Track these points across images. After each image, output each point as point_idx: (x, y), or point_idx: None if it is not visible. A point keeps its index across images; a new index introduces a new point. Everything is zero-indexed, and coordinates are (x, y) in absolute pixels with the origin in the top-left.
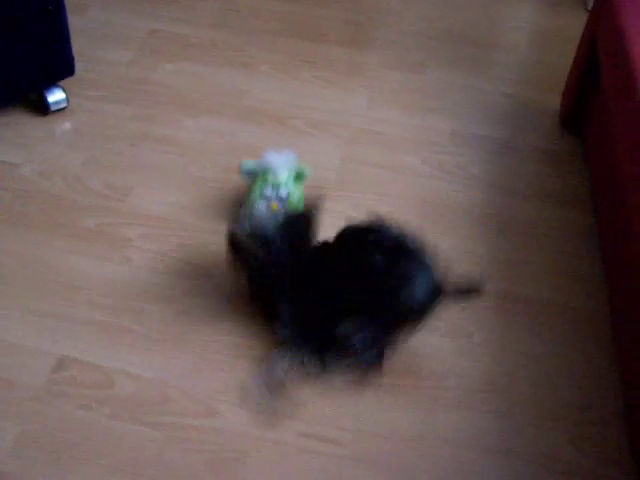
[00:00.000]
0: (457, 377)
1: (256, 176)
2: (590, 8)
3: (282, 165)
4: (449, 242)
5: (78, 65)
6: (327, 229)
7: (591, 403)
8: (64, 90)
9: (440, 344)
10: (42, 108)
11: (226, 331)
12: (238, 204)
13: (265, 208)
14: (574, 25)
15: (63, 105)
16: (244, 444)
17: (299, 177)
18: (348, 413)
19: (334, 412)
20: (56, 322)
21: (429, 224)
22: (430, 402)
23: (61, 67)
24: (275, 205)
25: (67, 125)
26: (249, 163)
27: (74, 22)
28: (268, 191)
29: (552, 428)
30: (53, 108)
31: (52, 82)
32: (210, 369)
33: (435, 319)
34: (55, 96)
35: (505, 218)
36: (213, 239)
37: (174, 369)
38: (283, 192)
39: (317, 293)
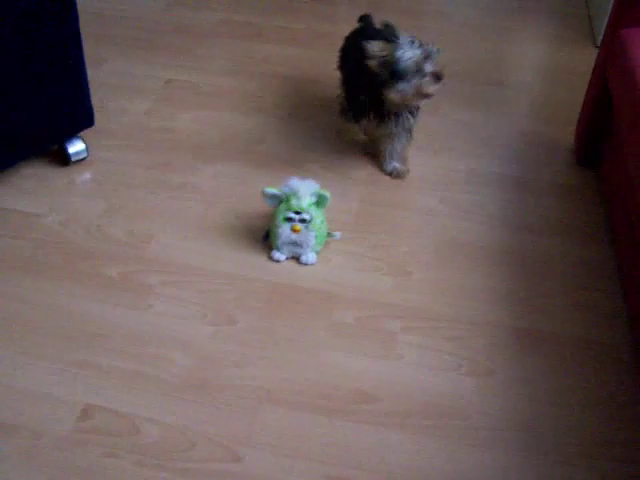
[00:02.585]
0: (481, 415)
1: (279, 201)
2: (599, 44)
3: (304, 190)
4: (469, 281)
5: (97, 116)
6: (343, 270)
7: (619, 440)
8: (84, 141)
9: (462, 382)
10: (63, 159)
11: (249, 376)
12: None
13: (288, 231)
14: (583, 61)
15: (83, 155)
16: None
17: (321, 202)
18: (373, 454)
19: (358, 453)
20: (80, 370)
21: (448, 263)
22: (455, 442)
23: (81, 119)
24: (298, 227)
25: (87, 175)
26: (272, 189)
27: (93, 74)
28: (291, 215)
29: (580, 466)
30: (74, 159)
31: (73, 134)
32: (233, 414)
33: (456, 357)
34: (75, 147)
35: (524, 255)
36: (232, 284)
37: (198, 415)
38: (306, 216)
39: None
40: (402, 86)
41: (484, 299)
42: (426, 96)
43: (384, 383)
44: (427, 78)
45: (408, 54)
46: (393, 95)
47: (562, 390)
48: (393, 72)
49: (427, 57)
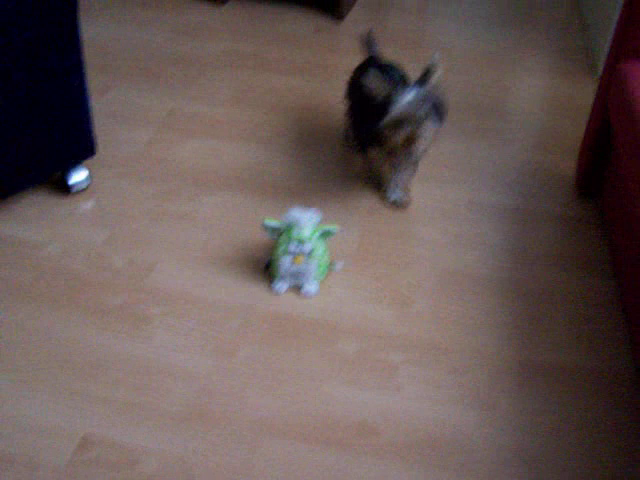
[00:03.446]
0: (483, 449)
1: (279, 233)
2: (598, 76)
3: (306, 221)
4: (471, 312)
5: (99, 145)
6: (344, 301)
7: (628, 476)
8: (86, 169)
9: (464, 415)
10: (65, 187)
11: (249, 407)
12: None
13: (289, 262)
14: (584, 92)
15: (85, 184)
16: None
17: (326, 234)
18: None
19: None
20: (79, 400)
21: (450, 294)
22: (456, 475)
23: (83, 148)
24: (299, 258)
25: (89, 204)
26: (271, 222)
27: (96, 103)
28: (292, 247)
29: None
30: (75, 188)
31: (75, 162)
32: (233, 445)
33: (458, 389)
34: (77, 176)
35: (526, 286)
36: (233, 315)
37: (197, 446)
38: (307, 247)
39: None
40: (393, 131)
41: (486, 330)
42: (419, 142)
43: (385, 415)
44: (421, 125)
45: (401, 102)
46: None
47: (566, 423)
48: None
49: (423, 101)
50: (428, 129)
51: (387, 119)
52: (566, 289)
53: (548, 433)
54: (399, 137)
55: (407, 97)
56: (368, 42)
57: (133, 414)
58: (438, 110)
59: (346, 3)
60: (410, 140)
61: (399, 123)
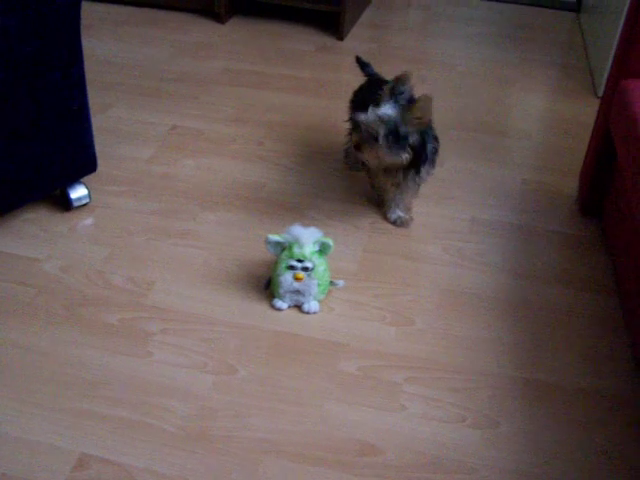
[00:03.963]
0: (486, 468)
1: (282, 248)
2: (600, 95)
3: (307, 238)
4: (473, 331)
5: (100, 161)
6: (346, 319)
7: None
8: (86, 186)
9: (467, 434)
10: (65, 204)
11: (250, 427)
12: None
13: (291, 279)
14: (585, 111)
15: (85, 201)
16: None
17: (324, 250)
18: None
19: None
20: (76, 419)
21: (452, 313)
22: None
23: (84, 164)
24: (300, 275)
25: (89, 220)
26: (275, 237)
27: (97, 120)
28: (293, 263)
29: None
30: (76, 204)
31: (75, 179)
32: (233, 466)
33: (460, 408)
34: (78, 192)
35: (528, 304)
36: (234, 333)
37: (197, 466)
38: (308, 264)
39: None
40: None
41: (488, 349)
42: (367, 154)
43: (387, 435)
44: (370, 139)
45: (364, 117)
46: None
47: (569, 443)
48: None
49: (383, 122)
50: (380, 150)
51: (354, 116)
52: (568, 308)
53: (551, 453)
54: (352, 138)
55: (377, 109)
56: (361, 65)
57: (131, 433)
58: (399, 140)
59: (347, 21)
60: (357, 147)
61: (356, 125)
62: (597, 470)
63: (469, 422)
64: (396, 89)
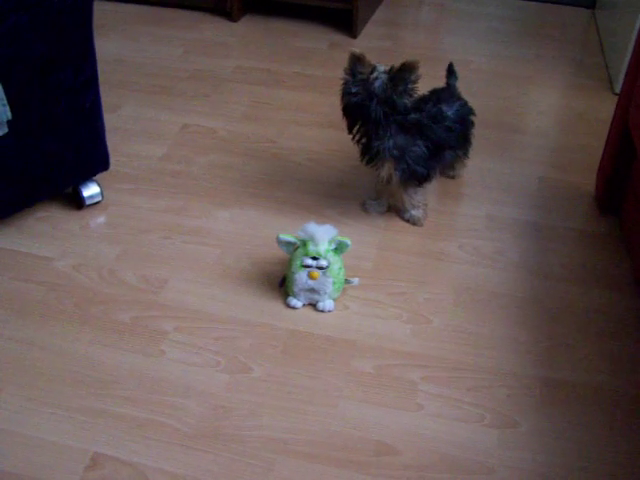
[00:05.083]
0: (505, 469)
1: (294, 247)
2: (618, 91)
3: (322, 235)
4: (490, 329)
5: (112, 160)
6: (361, 318)
7: None
8: (99, 184)
9: (485, 434)
10: (77, 202)
11: (264, 426)
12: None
13: (305, 277)
14: (601, 108)
15: (98, 199)
16: None
17: (341, 248)
18: None
19: None
20: (89, 418)
21: (468, 311)
22: None
23: (96, 162)
24: (315, 274)
25: (101, 219)
26: (286, 236)
27: (109, 119)
28: (308, 261)
29: None
30: (88, 202)
31: (87, 177)
32: (248, 465)
33: (478, 407)
34: (90, 190)
35: (546, 302)
36: (248, 331)
37: (211, 466)
38: (323, 262)
39: None
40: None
41: (506, 348)
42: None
43: (404, 435)
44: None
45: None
46: None
47: (589, 442)
48: None
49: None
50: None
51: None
52: (587, 306)
53: (569, 453)
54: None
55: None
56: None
57: (144, 432)
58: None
59: (360, 19)
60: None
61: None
62: (619, 472)
63: (487, 421)
64: (355, 68)
